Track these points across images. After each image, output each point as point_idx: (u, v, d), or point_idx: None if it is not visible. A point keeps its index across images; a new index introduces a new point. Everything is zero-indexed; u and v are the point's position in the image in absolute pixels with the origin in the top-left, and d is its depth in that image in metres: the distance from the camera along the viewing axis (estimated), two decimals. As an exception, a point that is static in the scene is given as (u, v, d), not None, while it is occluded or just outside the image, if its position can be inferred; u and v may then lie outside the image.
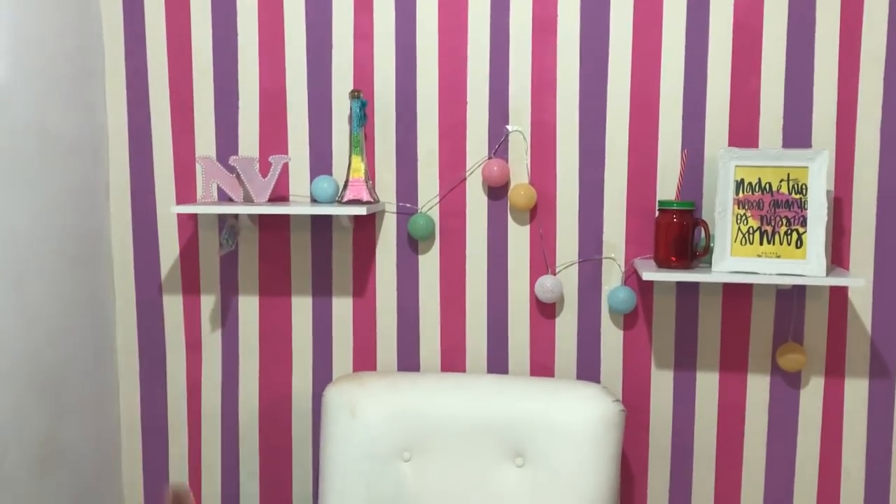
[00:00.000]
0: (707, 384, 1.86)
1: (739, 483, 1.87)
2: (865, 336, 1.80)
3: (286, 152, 1.92)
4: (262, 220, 1.96)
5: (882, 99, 1.74)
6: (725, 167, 1.70)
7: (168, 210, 1.98)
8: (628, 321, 1.87)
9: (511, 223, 1.88)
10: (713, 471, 1.88)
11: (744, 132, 1.78)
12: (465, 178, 1.88)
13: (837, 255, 1.78)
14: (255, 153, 1.93)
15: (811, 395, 1.83)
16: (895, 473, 1.82)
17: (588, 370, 1.90)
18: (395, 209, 1.91)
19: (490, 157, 1.86)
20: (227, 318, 2.01)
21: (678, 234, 1.71)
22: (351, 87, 1.89)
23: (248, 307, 1.99)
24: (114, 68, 1.96)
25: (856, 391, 1.81)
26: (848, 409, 1.82)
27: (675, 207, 1.71)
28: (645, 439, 1.89)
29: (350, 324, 1.96)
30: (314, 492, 2.01)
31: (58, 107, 1.81)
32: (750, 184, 1.69)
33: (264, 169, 1.83)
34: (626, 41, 1.80)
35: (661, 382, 1.87)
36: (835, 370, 1.81)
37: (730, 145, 1.78)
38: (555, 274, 1.88)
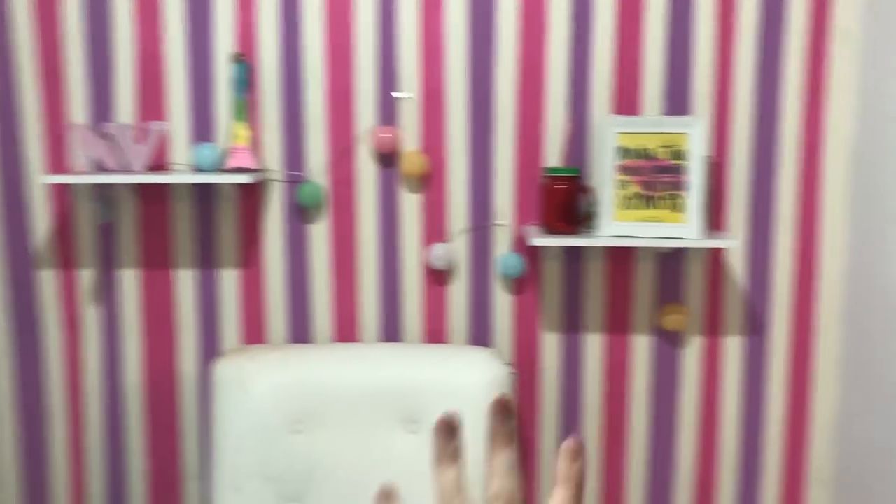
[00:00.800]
0: (594, 345, 1.91)
1: (625, 440, 1.95)
2: (740, 295, 1.89)
3: (165, 119, 1.84)
4: (142, 189, 1.88)
5: (754, 65, 1.81)
6: (608, 134, 1.73)
7: (38, 180, 1.87)
8: (518, 286, 1.90)
9: (402, 191, 1.87)
10: (600, 427, 1.94)
11: (627, 100, 1.82)
12: (354, 145, 1.85)
13: (716, 218, 1.85)
14: (132, 120, 1.84)
15: (692, 353, 1.91)
16: (768, 422, 1.94)
17: (480, 335, 1.92)
18: (282, 177, 1.87)
19: (379, 124, 1.84)
20: (107, 293, 1.92)
21: (564, 200, 1.74)
22: (233, 51, 1.82)
23: (129, 281, 1.91)
24: (-28, 28, 1.83)
25: (732, 347, 1.91)
26: (726, 365, 1.92)
27: (560, 174, 1.74)
28: (535, 400, 1.94)
29: (237, 296, 1.91)
30: (203, 466, 1.97)
31: None
32: (632, 150, 1.73)
33: (142, 137, 1.75)
34: (514, 9, 1.81)
35: (550, 344, 1.92)
36: (713, 328, 1.90)
37: (614, 113, 1.82)
38: (447, 241, 1.88)
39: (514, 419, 0.43)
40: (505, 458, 0.42)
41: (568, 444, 0.44)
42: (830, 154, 1.84)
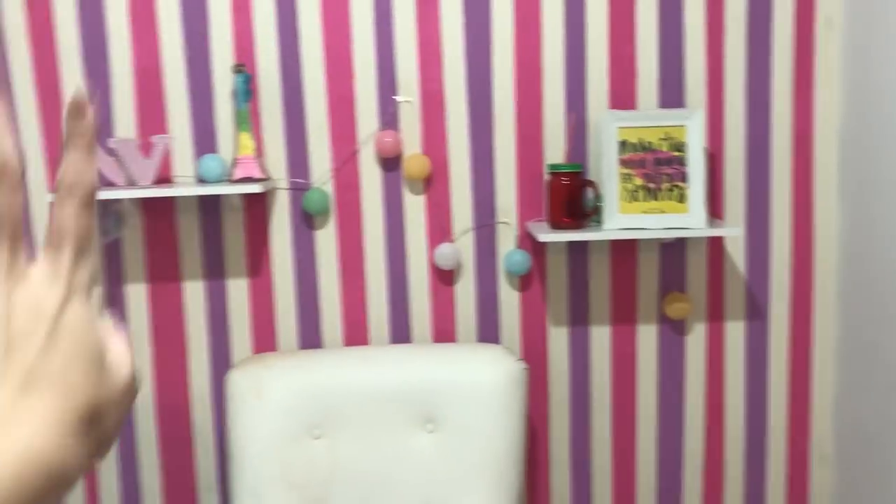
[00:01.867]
0: (600, 336, 1.95)
1: (635, 427, 1.99)
2: (741, 282, 1.94)
3: (166, 132, 1.84)
4: (147, 203, 1.88)
5: (745, 57, 1.86)
6: (608, 129, 1.77)
7: (40, 197, 1.86)
8: (524, 282, 1.93)
9: (406, 193, 1.89)
10: (609, 418, 1.98)
11: (623, 95, 1.86)
12: (357, 151, 1.87)
13: (714, 207, 1.90)
14: (133, 134, 1.84)
15: (695, 340, 1.96)
16: (771, 407, 1.99)
17: (488, 332, 1.95)
18: (286, 185, 1.88)
19: (381, 129, 1.86)
20: (115, 308, 1.92)
21: (569, 195, 1.77)
22: (232, 62, 1.83)
23: (137, 296, 1.91)
24: (-33, 48, 1.81)
25: (734, 333, 1.96)
26: (728, 351, 1.96)
27: (564, 170, 1.77)
28: (545, 393, 1.97)
29: (247, 306, 1.92)
30: (220, 478, 1.97)
31: None
32: (633, 144, 1.77)
33: (146, 150, 1.75)
34: (508, 10, 1.84)
35: (558, 338, 1.95)
36: (715, 315, 1.95)
37: (611, 108, 1.86)
38: (452, 241, 1.90)
39: (88, 119, 0.39)
40: (77, 156, 0.39)
41: (72, 99, 0.39)
42: (821, 142, 1.89)
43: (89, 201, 0.40)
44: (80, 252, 0.40)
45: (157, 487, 1.97)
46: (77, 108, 0.39)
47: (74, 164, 0.39)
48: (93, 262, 0.41)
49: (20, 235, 0.39)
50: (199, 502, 1.98)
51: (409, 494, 1.75)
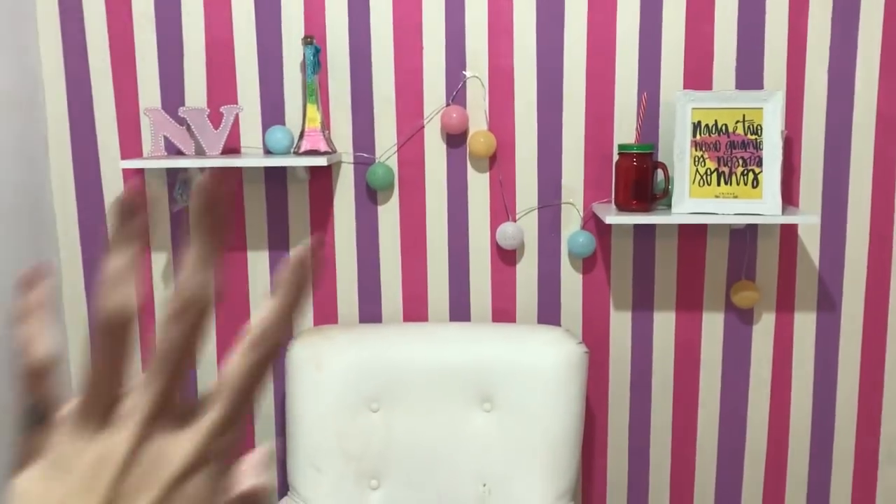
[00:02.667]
0: (664, 323, 1.91)
1: (696, 416, 1.94)
2: (814, 272, 1.87)
3: (236, 103, 1.86)
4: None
5: (830, 39, 1.78)
6: (683, 110, 1.72)
7: (113, 164, 1.90)
8: (587, 265, 1.90)
9: (470, 170, 1.87)
10: (671, 406, 1.94)
11: (698, 75, 1.81)
12: (422, 126, 1.86)
13: (788, 194, 1.83)
14: (203, 104, 1.86)
15: (763, 330, 1.90)
16: (840, 402, 1.92)
17: (549, 314, 1.92)
18: (351, 159, 1.88)
19: (448, 104, 1.84)
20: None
21: (638, 177, 1.73)
22: (302, 34, 1.83)
23: (202, 264, 1.93)
24: (46, 10, 1.85)
25: (804, 325, 1.89)
26: (797, 343, 1.90)
27: (634, 151, 1.73)
28: (605, 378, 1.94)
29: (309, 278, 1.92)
30: (278, 446, 1.99)
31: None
32: (707, 126, 1.71)
33: (215, 120, 1.76)
34: (582, -16, 1.80)
35: (620, 323, 1.92)
36: (785, 306, 1.89)
37: (685, 88, 1.80)
38: (515, 220, 1.88)
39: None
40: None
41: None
42: (907, 127, 1.81)
43: (270, 352, 0.34)
44: (232, 414, 0.34)
45: (216, 453, 2.01)
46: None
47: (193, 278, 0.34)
48: (239, 431, 0.34)
49: (182, 377, 0.34)
50: (256, 469, 2.01)
51: (462, 472, 1.74)
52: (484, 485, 1.74)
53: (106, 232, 1.94)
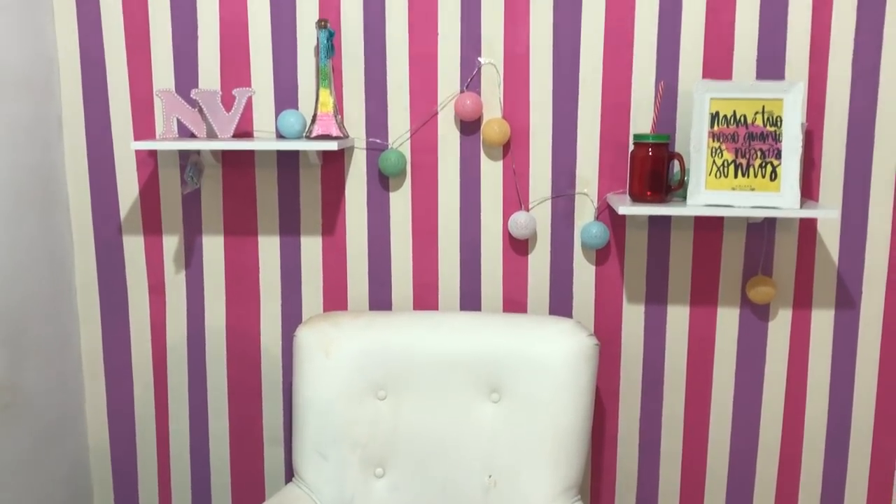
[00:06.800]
0: (678, 317, 1.88)
1: (708, 413, 1.91)
2: (832, 268, 1.83)
3: (249, 86, 1.85)
4: (226, 156, 1.89)
5: (854, 31, 1.74)
6: (700, 100, 1.68)
7: (126, 146, 1.90)
8: (600, 256, 1.87)
9: (484, 158, 1.85)
10: (683, 401, 1.91)
11: (718, 64, 1.77)
12: (436, 113, 1.84)
13: (807, 187, 1.79)
14: (217, 87, 1.85)
15: (779, 327, 1.86)
16: (857, 401, 1.88)
17: (560, 305, 1.90)
18: (364, 145, 1.86)
19: (462, 91, 1.82)
20: (191, 258, 1.95)
21: (653, 167, 1.70)
22: (317, 17, 1.81)
23: (213, 247, 1.94)
24: (62, -5, 1.85)
25: (822, 322, 1.85)
26: (814, 340, 1.86)
27: (650, 141, 1.69)
28: (616, 371, 1.91)
29: (319, 263, 1.92)
30: (285, 432, 1.99)
31: (1, 32, 1.70)
32: (725, 116, 1.68)
33: (227, 103, 1.76)
34: (601, -30, 1.76)
35: (633, 316, 1.89)
36: (802, 302, 1.85)
37: (704, 77, 1.77)
38: (528, 210, 1.86)
39: None
40: None
41: None
42: (932, 121, 1.76)
43: None
44: None
45: (225, 436, 2.01)
46: None
47: None
48: None
49: None
50: (264, 454, 2.02)
51: (469, 462, 1.73)
52: (489, 476, 1.72)
53: (118, 212, 1.94)
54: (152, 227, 1.94)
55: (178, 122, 1.77)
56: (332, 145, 1.71)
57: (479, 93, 1.81)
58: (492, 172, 1.85)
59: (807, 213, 1.64)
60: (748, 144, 1.67)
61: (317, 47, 1.78)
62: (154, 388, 2.02)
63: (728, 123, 1.68)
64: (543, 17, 1.78)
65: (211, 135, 1.76)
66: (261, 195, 1.90)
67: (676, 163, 1.74)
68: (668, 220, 1.84)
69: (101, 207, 1.94)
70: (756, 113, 1.66)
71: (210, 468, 2.04)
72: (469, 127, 1.84)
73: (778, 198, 1.65)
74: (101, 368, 2.02)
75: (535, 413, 1.71)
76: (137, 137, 1.89)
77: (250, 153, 1.88)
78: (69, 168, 1.92)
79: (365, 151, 1.86)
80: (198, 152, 1.86)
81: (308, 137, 1.77)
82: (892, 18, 1.72)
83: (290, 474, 2.00)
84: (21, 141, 1.76)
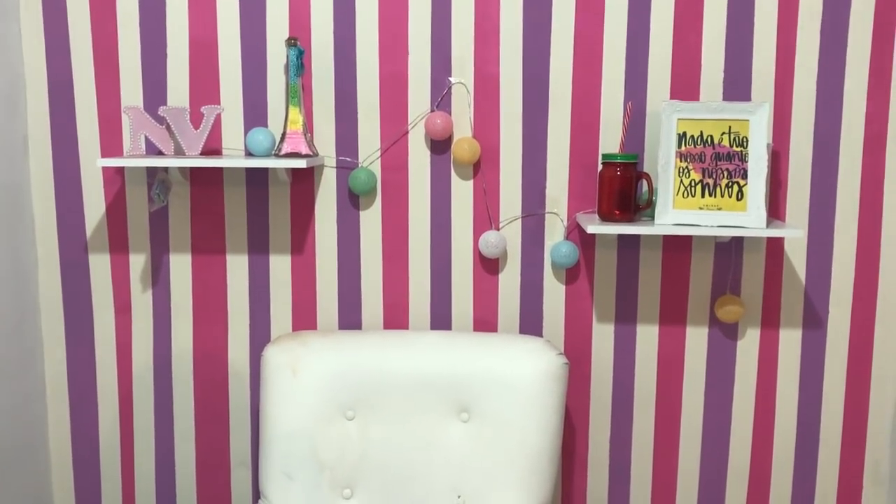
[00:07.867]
0: (647, 336, 1.88)
1: (678, 432, 1.91)
2: (800, 286, 1.84)
3: (218, 103, 1.84)
4: (194, 174, 1.88)
5: (818, 52, 1.76)
6: (668, 120, 1.70)
7: (93, 163, 1.88)
8: (570, 275, 1.87)
9: (454, 177, 1.85)
10: (653, 420, 1.91)
11: (685, 85, 1.79)
12: (407, 132, 1.84)
13: (774, 207, 1.81)
14: (185, 104, 1.84)
15: (748, 346, 1.87)
16: (825, 420, 1.89)
17: (531, 324, 1.89)
18: (334, 163, 1.85)
19: (433, 110, 1.82)
20: (158, 277, 1.92)
21: (622, 187, 1.71)
22: (287, 35, 1.81)
23: (181, 266, 1.91)
24: (29, 6, 1.83)
25: (790, 341, 1.86)
26: (782, 358, 1.87)
27: (618, 160, 1.70)
28: (586, 391, 1.91)
29: (289, 282, 1.90)
30: (253, 453, 1.97)
31: (-32, 51, 1.68)
32: (692, 137, 1.69)
33: (196, 120, 1.74)
34: (570, -9, 1.78)
35: (603, 335, 1.89)
36: (770, 321, 1.86)
37: (671, 98, 1.78)
38: (498, 229, 1.86)
39: None
40: None
41: None
42: (895, 143, 1.78)
43: None
44: None
45: (191, 460, 1.98)
46: None
47: None
48: None
49: None
50: (231, 477, 1.98)
51: (438, 483, 1.71)
52: (459, 496, 1.71)
53: (84, 231, 1.91)
54: (119, 245, 1.91)
55: (146, 139, 1.76)
56: (301, 163, 1.70)
57: (449, 112, 1.82)
58: (462, 191, 1.85)
59: (773, 233, 1.65)
60: (715, 164, 1.68)
61: (286, 65, 1.77)
62: (119, 412, 1.98)
63: (695, 143, 1.69)
64: (513, 37, 1.79)
65: (179, 152, 1.75)
66: (229, 213, 1.89)
67: (644, 182, 1.75)
68: (637, 240, 1.85)
69: (67, 226, 1.91)
70: (723, 133, 1.68)
71: (176, 492, 2.00)
72: (439, 146, 1.84)
73: (745, 217, 1.67)
74: (66, 391, 1.98)
75: (505, 432, 1.70)
76: (105, 155, 1.87)
77: (219, 171, 1.87)
78: (34, 185, 1.90)
79: (335, 170, 1.86)
80: (165, 170, 1.85)
81: (277, 155, 1.76)
82: (854, 41, 1.75)
83: (257, 496, 1.96)
84: (-16, 157, 1.74)
